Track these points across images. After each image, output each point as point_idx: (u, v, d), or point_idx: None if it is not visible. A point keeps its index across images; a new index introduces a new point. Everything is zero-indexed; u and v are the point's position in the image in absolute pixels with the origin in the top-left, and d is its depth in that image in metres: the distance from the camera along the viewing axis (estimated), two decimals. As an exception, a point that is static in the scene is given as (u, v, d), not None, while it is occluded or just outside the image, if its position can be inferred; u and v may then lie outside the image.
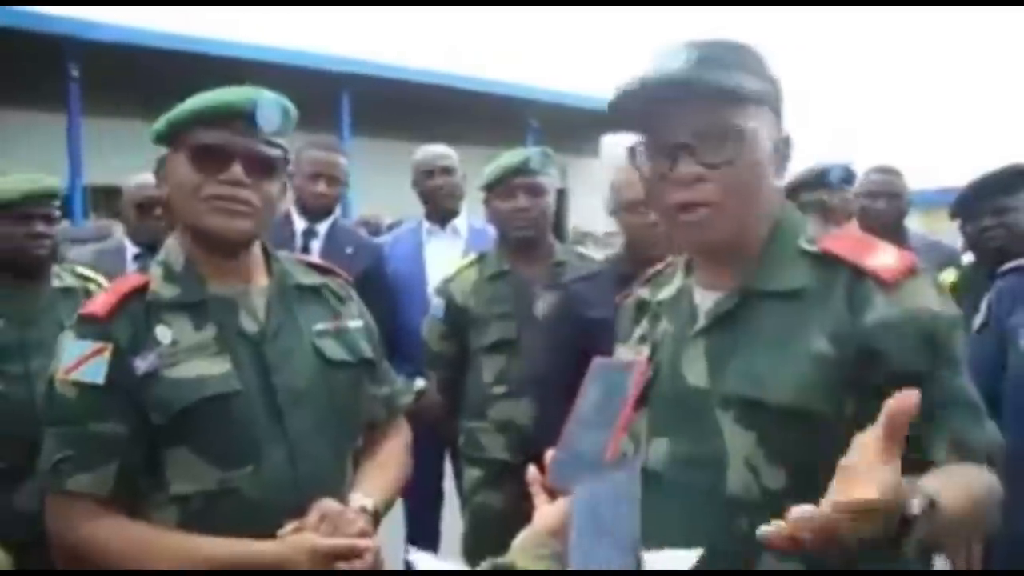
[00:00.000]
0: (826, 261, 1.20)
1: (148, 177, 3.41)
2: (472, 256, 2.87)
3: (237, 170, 1.43)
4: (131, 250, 3.36)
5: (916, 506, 0.89)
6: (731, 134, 1.15)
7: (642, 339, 1.34)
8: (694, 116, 1.16)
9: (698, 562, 0.99)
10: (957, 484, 1.03)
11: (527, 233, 2.70)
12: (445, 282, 2.82)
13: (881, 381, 1.11)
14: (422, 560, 1.16)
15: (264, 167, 1.46)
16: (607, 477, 1.00)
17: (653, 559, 0.95)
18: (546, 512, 1.11)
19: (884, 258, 1.18)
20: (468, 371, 2.75)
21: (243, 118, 1.43)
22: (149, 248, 3.35)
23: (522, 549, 1.08)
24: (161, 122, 1.48)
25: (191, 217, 1.46)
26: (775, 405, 1.13)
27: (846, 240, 1.23)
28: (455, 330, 2.76)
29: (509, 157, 2.73)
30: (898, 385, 1.10)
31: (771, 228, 1.24)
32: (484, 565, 1.03)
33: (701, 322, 1.24)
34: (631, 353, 1.34)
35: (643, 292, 1.41)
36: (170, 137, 1.47)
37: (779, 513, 1.11)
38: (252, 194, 1.44)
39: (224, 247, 1.48)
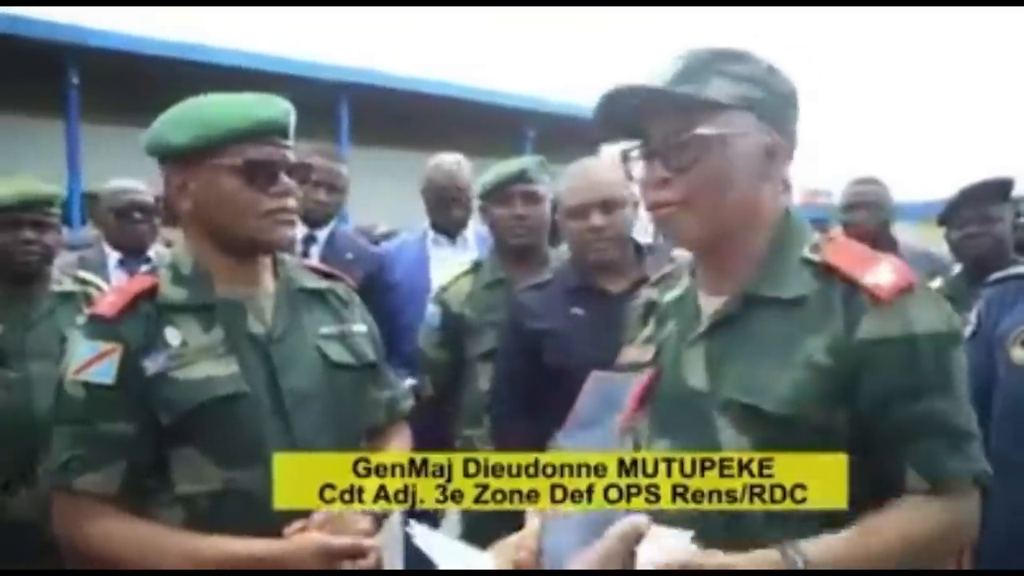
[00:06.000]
0: (826, 272, 1.22)
1: (123, 182, 3.42)
2: (467, 264, 2.88)
3: (287, 181, 1.48)
4: (113, 256, 3.36)
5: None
6: (694, 140, 1.20)
7: (647, 340, 1.37)
8: (664, 124, 1.23)
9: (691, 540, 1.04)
10: (870, 533, 1.12)
11: (525, 241, 2.71)
12: (441, 290, 2.83)
13: (868, 398, 1.15)
14: (421, 534, 1.19)
15: (293, 173, 1.50)
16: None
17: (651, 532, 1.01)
18: (534, 517, 1.12)
19: (882, 274, 1.18)
20: (464, 379, 2.76)
21: (279, 131, 1.48)
22: (134, 253, 3.36)
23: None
24: (186, 138, 1.45)
25: (243, 231, 1.48)
26: (772, 412, 1.16)
27: (847, 253, 1.24)
28: (451, 338, 2.76)
29: (506, 165, 2.75)
30: (880, 404, 1.14)
31: (773, 235, 1.27)
32: None
33: (703, 325, 1.27)
34: (638, 354, 1.37)
35: (652, 293, 1.44)
36: (198, 152, 1.46)
37: (771, 515, 1.15)
38: (295, 201, 1.51)
39: (263, 252, 1.54)
